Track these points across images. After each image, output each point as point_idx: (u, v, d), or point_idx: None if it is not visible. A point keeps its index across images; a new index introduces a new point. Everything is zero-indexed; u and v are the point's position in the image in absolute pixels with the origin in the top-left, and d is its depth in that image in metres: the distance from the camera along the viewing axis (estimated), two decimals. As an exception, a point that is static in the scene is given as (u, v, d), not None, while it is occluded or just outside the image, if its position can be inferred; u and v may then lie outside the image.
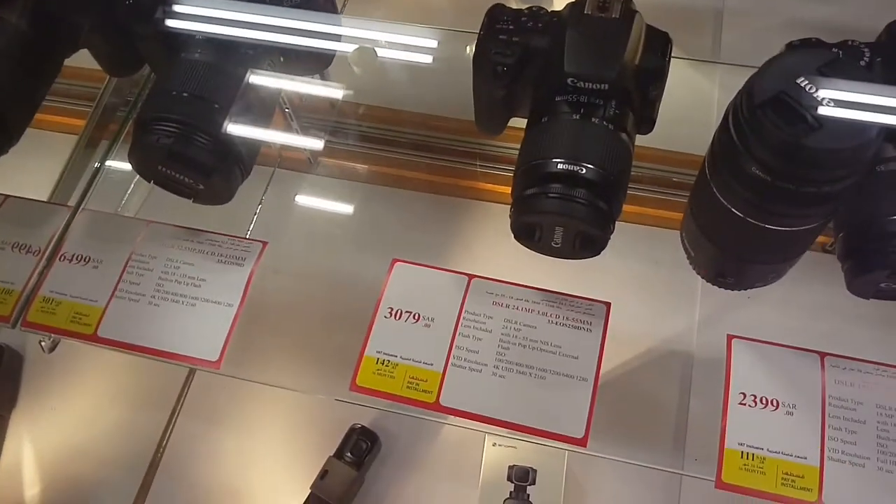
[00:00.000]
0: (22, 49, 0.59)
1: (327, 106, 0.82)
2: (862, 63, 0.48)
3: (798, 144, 0.40)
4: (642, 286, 0.80)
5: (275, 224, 0.81)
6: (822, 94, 0.41)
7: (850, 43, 0.50)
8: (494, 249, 0.75)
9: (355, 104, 0.67)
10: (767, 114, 0.41)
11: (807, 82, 0.41)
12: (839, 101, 0.41)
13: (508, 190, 0.53)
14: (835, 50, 0.49)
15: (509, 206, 0.52)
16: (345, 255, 0.80)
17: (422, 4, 1.03)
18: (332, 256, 0.81)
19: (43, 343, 0.65)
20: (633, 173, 0.77)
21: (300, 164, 0.86)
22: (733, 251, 0.51)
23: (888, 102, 0.43)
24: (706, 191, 0.48)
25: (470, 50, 0.55)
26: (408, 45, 0.63)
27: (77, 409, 0.84)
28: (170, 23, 0.58)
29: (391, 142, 0.82)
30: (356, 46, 0.63)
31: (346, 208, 0.82)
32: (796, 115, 0.41)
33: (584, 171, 0.49)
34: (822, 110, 0.40)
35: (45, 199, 0.70)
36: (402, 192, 0.83)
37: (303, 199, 0.84)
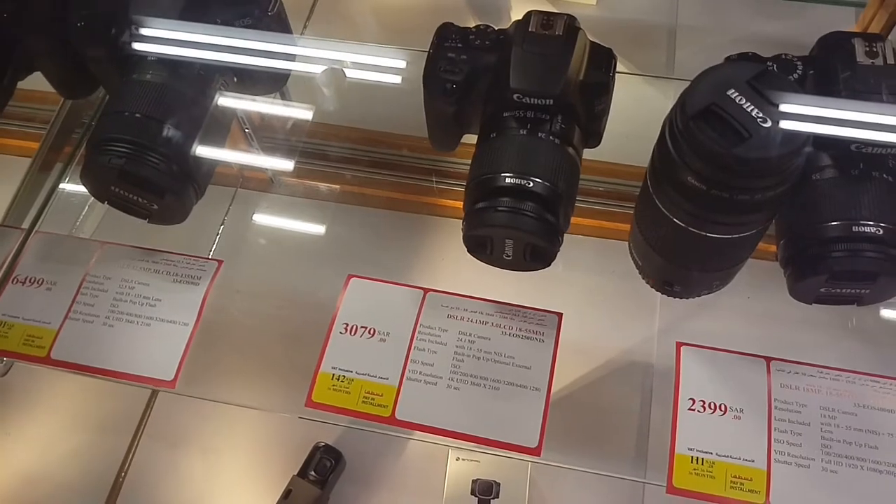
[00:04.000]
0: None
1: (286, 125, 0.82)
2: (794, 76, 0.50)
3: (728, 154, 0.42)
4: (601, 297, 0.81)
5: (236, 244, 0.81)
6: (751, 105, 0.42)
7: (783, 56, 0.51)
8: (452, 263, 0.76)
9: (308, 122, 0.67)
10: (699, 125, 0.43)
11: (737, 94, 0.43)
12: (768, 112, 0.42)
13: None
14: (768, 63, 0.50)
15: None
16: (304, 272, 0.81)
17: (379, 24, 1.05)
18: (292, 274, 0.81)
19: (-5, 367, 0.64)
20: (590, 187, 0.78)
21: (262, 183, 0.87)
22: (677, 260, 0.52)
23: (815, 113, 0.44)
24: (648, 201, 0.49)
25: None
26: (369, 65, 0.64)
27: (34, 435, 0.83)
28: (121, 44, 0.58)
29: (349, 160, 0.83)
30: (324, 68, 0.64)
31: (306, 227, 0.82)
32: (726, 126, 0.42)
33: (532, 184, 0.50)
34: (751, 121, 0.42)
35: (-3, 222, 0.69)
36: (360, 209, 0.84)
37: (263, 218, 0.84)
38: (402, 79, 0.60)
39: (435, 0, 1.08)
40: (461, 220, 0.53)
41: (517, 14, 0.56)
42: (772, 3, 1.01)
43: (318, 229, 0.81)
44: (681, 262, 0.52)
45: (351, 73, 0.63)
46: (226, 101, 0.60)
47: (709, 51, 0.98)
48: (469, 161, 0.55)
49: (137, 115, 0.55)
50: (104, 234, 0.68)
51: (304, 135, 0.82)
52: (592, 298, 0.81)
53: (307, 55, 0.63)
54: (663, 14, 1.05)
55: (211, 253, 0.77)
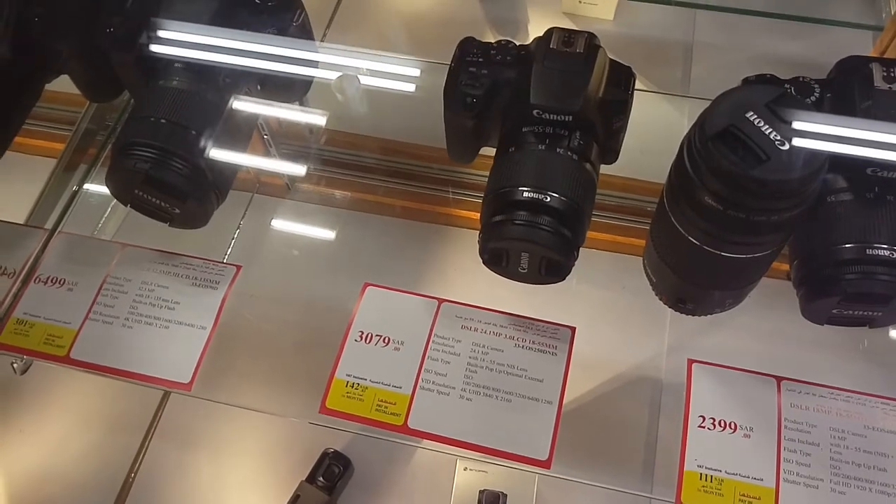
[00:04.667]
0: (2, 73, 0.60)
1: (305, 132, 0.83)
2: (812, 98, 0.50)
3: (746, 175, 0.42)
4: (613, 312, 0.82)
5: (251, 248, 0.82)
6: (770, 128, 0.43)
7: (801, 79, 0.52)
8: (467, 275, 0.77)
9: (327, 130, 0.68)
10: (718, 146, 0.43)
11: (755, 116, 0.43)
12: (786, 135, 0.43)
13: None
14: (786, 86, 0.51)
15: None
16: (320, 279, 0.81)
17: (397, 35, 1.06)
18: (307, 281, 0.82)
19: (15, 365, 0.65)
20: (604, 202, 0.78)
21: (278, 189, 0.88)
22: (691, 278, 0.53)
23: (833, 136, 0.45)
24: (664, 219, 0.50)
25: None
26: (387, 74, 0.65)
27: (48, 432, 0.84)
28: (149, 51, 0.59)
29: (367, 168, 0.84)
30: (339, 74, 0.65)
31: (322, 233, 0.83)
32: (744, 148, 0.43)
33: (549, 199, 0.51)
34: (769, 143, 0.42)
35: (21, 222, 0.70)
36: (376, 217, 0.84)
37: (280, 224, 0.85)
38: (421, 89, 0.61)
39: (454, 13, 1.09)
40: (477, 232, 0.54)
41: (535, 28, 0.56)
42: (788, 24, 1.01)
43: (334, 237, 0.82)
44: (695, 280, 0.53)
45: (366, 81, 0.64)
46: (249, 108, 0.61)
47: (725, 69, 0.99)
48: (486, 172, 0.55)
49: (163, 121, 0.56)
50: (125, 236, 0.68)
51: (322, 142, 0.83)
52: (603, 313, 0.82)
53: (329, 63, 0.64)
54: (680, 31, 1.05)
55: (226, 257, 0.78)
